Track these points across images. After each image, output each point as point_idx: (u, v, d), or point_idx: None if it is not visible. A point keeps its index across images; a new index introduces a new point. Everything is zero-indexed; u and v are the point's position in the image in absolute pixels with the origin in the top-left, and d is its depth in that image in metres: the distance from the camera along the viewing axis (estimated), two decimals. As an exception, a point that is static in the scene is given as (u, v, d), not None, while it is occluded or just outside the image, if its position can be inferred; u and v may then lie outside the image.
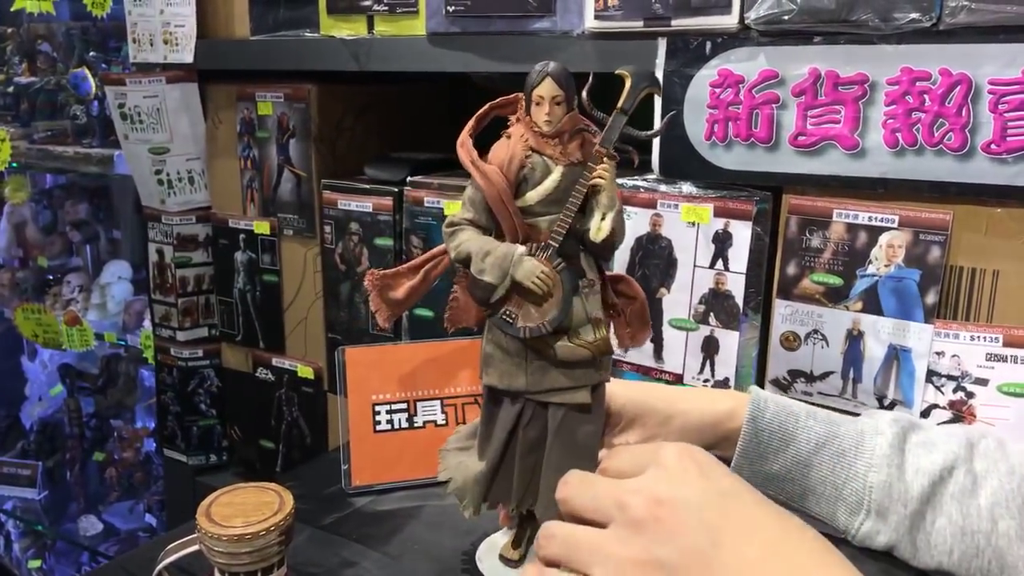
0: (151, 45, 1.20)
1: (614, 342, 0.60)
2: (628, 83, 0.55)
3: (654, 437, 0.69)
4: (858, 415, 0.70)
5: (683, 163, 0.85)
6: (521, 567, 0.62)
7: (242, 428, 1.32)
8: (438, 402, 0.81)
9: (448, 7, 0.94)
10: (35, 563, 2.10)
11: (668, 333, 0.88)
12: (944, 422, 0.76)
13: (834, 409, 0.80)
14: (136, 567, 0.65)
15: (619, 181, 0.89)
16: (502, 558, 0.63)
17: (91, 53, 1.67)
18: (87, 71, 1.60)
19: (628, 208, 0.88)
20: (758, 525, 0.44)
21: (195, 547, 0.55)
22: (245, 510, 0.53)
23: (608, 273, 0.60)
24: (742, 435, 0.67)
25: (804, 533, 0.45)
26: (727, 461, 0.68)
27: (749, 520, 0.44)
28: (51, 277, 1.95)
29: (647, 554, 0.43)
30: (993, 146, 0.70)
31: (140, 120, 1.23)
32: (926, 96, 0.72)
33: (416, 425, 0.80)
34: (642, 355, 0.90)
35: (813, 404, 0.81)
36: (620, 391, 0.70)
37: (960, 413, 0.75)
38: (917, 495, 0.62)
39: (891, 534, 0.63)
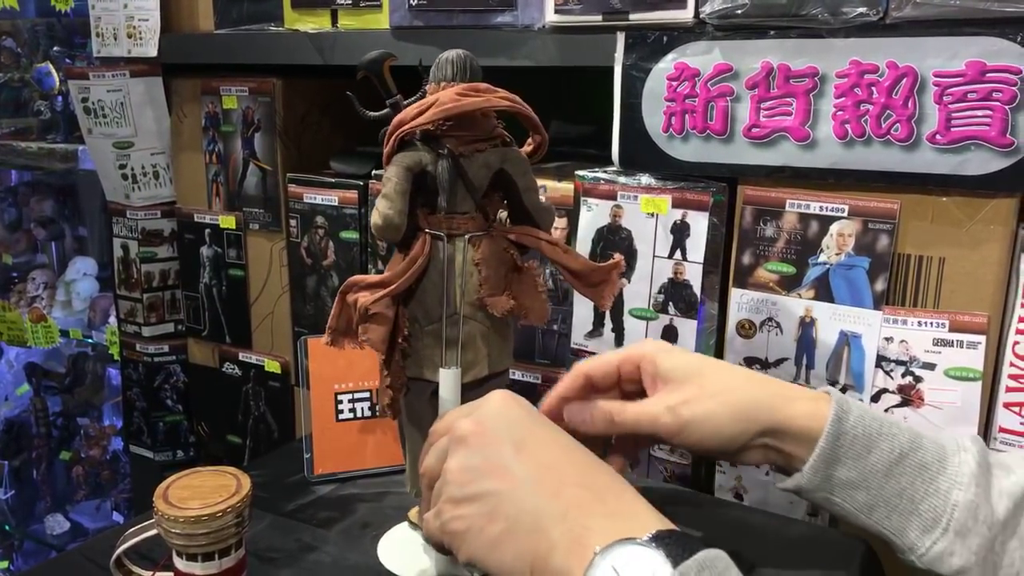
0: (115, 39, 1.19)
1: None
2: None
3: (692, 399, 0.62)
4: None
5: (642, 155, 0.86)
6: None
7: (209, 424, 1.32)
8: (400, 391, 0.81)
9: (411, 1, 0.95)
10: (2, 564, 2.08)
11: (629, 323, 0.89)
12: (894, 406, 0.78)
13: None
14: (96, 555, 0.65)
15: (580, 173, 0.91)
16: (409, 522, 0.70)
17: (56, 48, 1.66)
18: (51, 66, 1.59)
19: (589, 200, 0.90)
20: (558, 440, 0.53)
21: (153, 531, 0.55)
22: (202, 492, 0.54)
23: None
24: (824, 436, 0.61)
25: (596, 460, 0.53)
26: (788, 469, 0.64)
27: (550, 437, 0.54)
28: (15, 275, 1.93)
29: (463, 462, 0.52)
30: (938, 136, 0.73)
31: (104, 114, 1.22)
32: (874, 88, 0.74)
33: (379, 414, 0.81)
34: (603, 344, 0.91)
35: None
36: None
37: (909, 397, 0.77)
38: (1002, 518, 0.60)
39: (968, 556, 0.60)
